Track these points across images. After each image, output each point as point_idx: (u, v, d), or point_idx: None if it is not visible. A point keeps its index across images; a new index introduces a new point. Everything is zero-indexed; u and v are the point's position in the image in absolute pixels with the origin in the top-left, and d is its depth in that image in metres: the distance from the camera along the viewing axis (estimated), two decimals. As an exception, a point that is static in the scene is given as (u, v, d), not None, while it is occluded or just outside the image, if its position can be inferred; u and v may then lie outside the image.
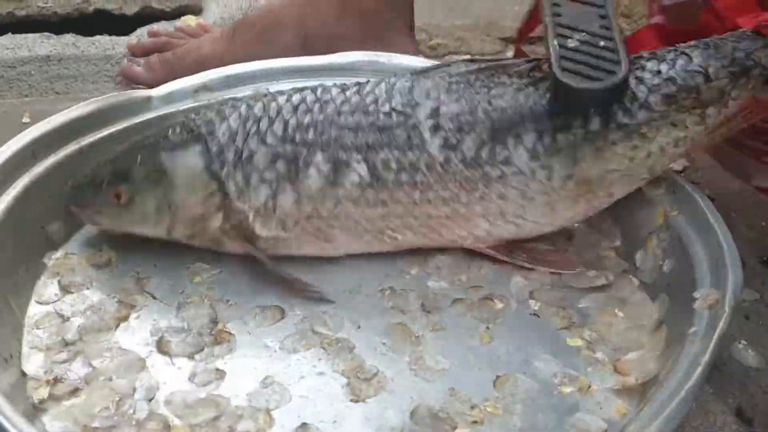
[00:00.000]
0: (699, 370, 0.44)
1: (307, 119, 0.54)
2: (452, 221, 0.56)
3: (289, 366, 0.51)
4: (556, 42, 0.54)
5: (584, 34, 0.54)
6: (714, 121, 0.56)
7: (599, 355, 0.53)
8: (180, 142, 0.54)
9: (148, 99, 0.63)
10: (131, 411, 0.46)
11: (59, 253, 0.56)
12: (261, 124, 0.54)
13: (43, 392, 0.46)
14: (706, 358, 0.44)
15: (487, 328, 0.54)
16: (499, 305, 0.56)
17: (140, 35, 0.83)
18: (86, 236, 0.58)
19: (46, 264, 0.55)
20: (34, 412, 0.45)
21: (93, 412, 0.46)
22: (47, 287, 0.53)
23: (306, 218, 0.55)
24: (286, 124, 0.54)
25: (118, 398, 0.47)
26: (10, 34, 0.81)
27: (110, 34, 0.83)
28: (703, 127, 0.56)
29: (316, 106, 0.55)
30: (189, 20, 0.88)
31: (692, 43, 0.57)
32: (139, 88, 0.72)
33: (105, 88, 0.76)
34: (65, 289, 0.53)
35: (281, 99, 0.56)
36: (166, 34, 0.78)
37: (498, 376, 0.51)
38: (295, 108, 0.55)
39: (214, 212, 0.54)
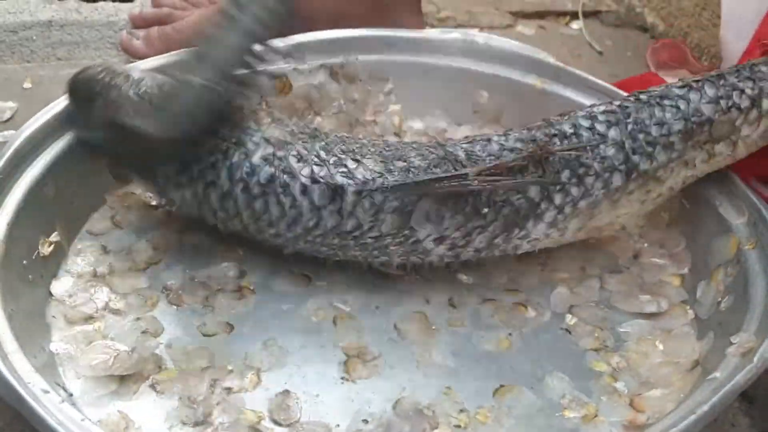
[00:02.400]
0: (691, 418, 0.39)
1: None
2: None
3: (295, 333, 0.51)
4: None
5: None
6: (719, 160, 0.53)
7: (620, 385, 0.48)
8: None
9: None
10: (132, 348, 0.48)
11: (121, 191, 0.59)
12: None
13: (59, 315, 0.49)
14: (705, 408, 0.39)
15: (509, 334, 0.51)
16: (531, 313, 0.53)
17: (143, 2, 0.81)
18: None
19: (107, 198, 0.58)
20: (46, 330, 0.49)
21: (95, 339, 0.48)
22: (101, 220, 0.56)
23: None
24: None
25: (124, 334, 0.49)
26: (12, -2, 0.80)
27: (114, 0, 0.81)
28: (708, 165, 0.53)
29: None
30: None
31: (703, 76, 0.53)
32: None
33: (107, 55, 0.76)
34: (116, 225, 0.56)
35: None
36: (169, 3, 0.78)
37: (502, 385, 0.48)
38: None
39: None
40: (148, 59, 0.62)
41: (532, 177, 0.49)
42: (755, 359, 0.42)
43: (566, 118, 0.52)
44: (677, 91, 0.52)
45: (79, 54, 0.75)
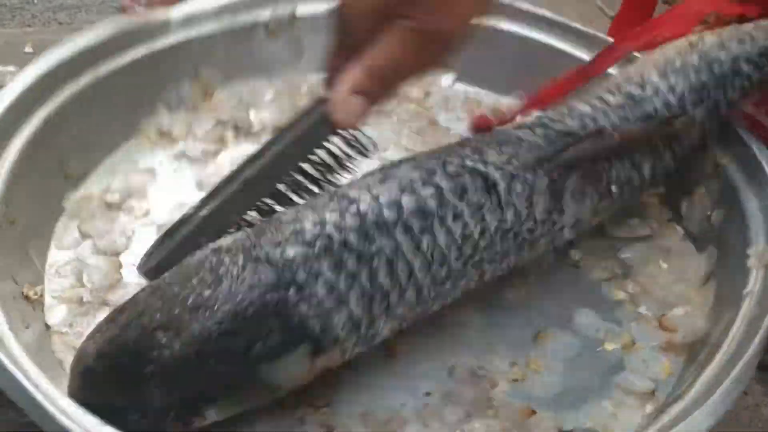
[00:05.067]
0: (760, 334, 0.42)
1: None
2: None
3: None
4: None
5: None
6: None
7: (643, 309, 0.51)
8: (281, 344, 0.38)
9: (167, 23, 0.59)
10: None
11: (77, 195, 0.53)
12: (390, 299, 0.42)
13: (66, 348, 0.44)
14: (766, 322, 0.42)
15: (524, 277, 0.52)
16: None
17: (143, -34, 0.77)
18: (104, 172, 0.55)
19: (65, 207, 0.52)
20: (58, 365, 0.43)
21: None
22: (67, 231, 0.50)
23: None
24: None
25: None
26: (12, -38, 0.77)
27: (114, -35, 0.79)
28: None
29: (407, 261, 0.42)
30: None
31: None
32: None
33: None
34: (85, 234, 0.51)
35: (385, 244, 0.41)
36: None
37: (538, 332, 0.49)
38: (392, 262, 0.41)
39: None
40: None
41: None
42: (784, 268, 0.45)
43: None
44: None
45: (80, 18, 0.73)
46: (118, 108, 0.56)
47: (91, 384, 0.37)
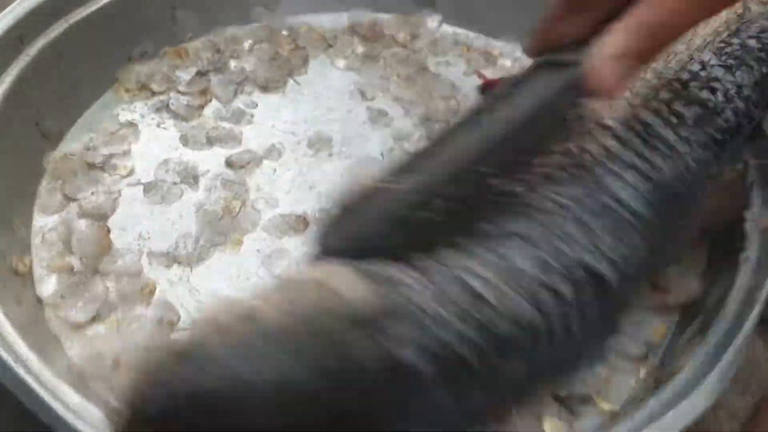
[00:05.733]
0: (757, 307, 0.42)
1: None
2: None
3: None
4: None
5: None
6: None
7: (636, 268, 0.51)
8: None
9: (139, -35, 0.55)
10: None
11: (57, 154, 0.50)
12: None
13: (59, 321, 0.43)
14: (764, 295, 0.43)
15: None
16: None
17: None
18: (83, 127, 0.52)
19: (46, 167, 0.50)
20: (54, 340, 0.43)
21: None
22: (51, 194, 0.49)
23: None
24: None
25: (143, 327, 0.44)
26: None
27: None
28: None
29: None
30: None
31: None
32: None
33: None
34: (69, 197, 0.49)
35: None
36: None
37: (534, 292, 0.49)
38: None
39: None
40: None
41: None
42: (783, 234, 0.45)
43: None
44: None
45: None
46: (94, 58, 0.53)
47: None
